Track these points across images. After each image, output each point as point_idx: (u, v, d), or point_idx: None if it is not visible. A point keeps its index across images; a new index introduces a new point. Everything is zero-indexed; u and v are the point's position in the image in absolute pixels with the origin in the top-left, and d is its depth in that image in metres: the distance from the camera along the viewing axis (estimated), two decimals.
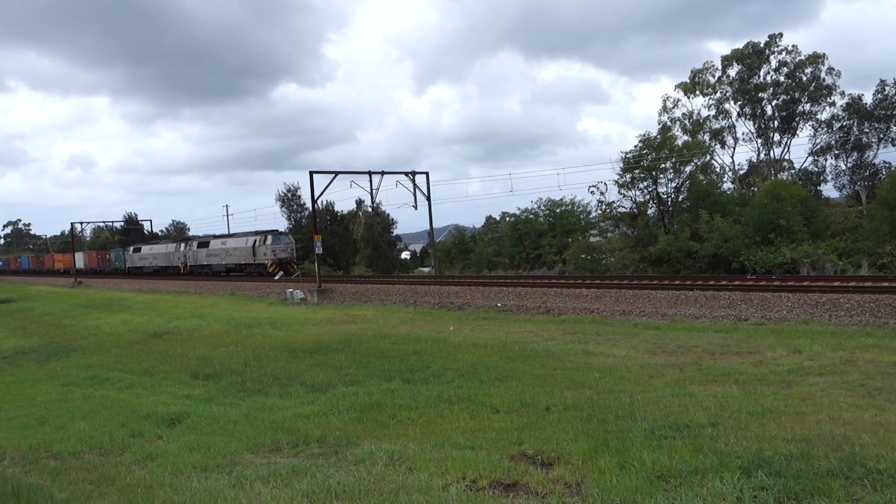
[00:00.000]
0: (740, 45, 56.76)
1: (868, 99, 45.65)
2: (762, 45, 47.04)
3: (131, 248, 65.03)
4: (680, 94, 50.34)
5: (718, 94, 48.71)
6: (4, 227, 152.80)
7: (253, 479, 6.70)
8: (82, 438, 9.48)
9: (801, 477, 5.57)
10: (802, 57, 45.97)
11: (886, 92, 44.66)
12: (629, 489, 5.60)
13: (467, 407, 9.70)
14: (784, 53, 46.51)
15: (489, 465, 6.47)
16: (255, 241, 46.22)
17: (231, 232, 57.99)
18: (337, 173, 37.19)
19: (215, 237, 53.43)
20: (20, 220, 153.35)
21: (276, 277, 40.80)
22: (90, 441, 9.29)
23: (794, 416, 7.99)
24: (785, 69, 46.52)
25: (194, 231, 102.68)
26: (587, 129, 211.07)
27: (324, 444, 8.08)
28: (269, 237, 45.63)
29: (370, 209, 59.70)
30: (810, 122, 47.49)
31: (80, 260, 75.96)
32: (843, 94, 45.85)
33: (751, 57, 47.10)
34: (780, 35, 46.75)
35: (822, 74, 45.58)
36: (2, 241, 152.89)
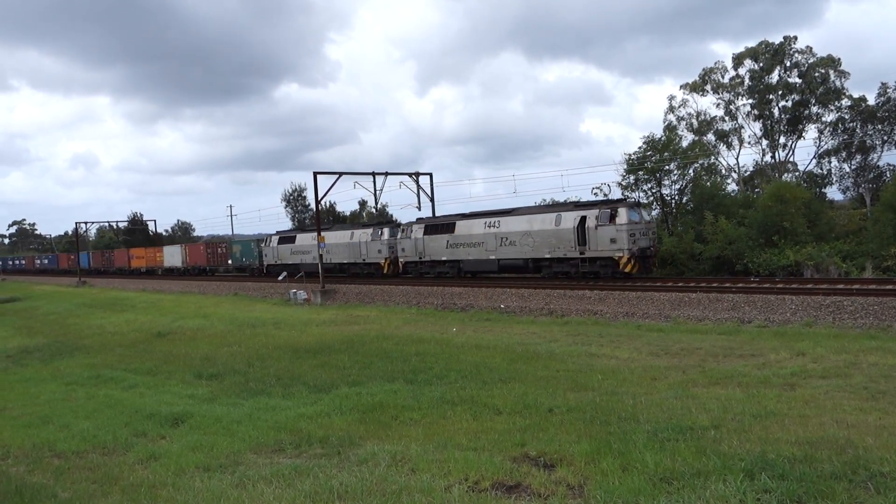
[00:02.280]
0: (743, 46, 56.78)
1: (871, 101, 45.53)
2: (777, 45, 46.88)
3: (274, 238, 45.47)
4: (687, 94, 50.25)
5: (728, 95, 48.58)
6: (9, 226, 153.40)
7: (256, 479, 6.71)
8: (86, 437, 9.50)
9: (805, 480, 5.56)
10: (816, 59, 45.80)
11: (889, 94, 44.53)
12: (632, 491, 5.59)
13: (470, 408, 9.70)
14: (798, 55, 46.38)
15: (492, 467, 6.47)
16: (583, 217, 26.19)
17: (474, 211, 33.25)
18: (340, 174, 37.22)
19: (473, 216, 32.09)
20: (25, 220, 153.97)
21: (280, 278, 40.85)
22: (93, 440, 9.31)
23: (798, 418, 7.97)
24: (796, 70, 46.37)
25: (199, 232, 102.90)
26: (590, 131, 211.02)
27: (326, 445, 8.09)
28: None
29: (374, 210, 59.68)
30: (816, 125, 47.39)
31: (175, 256, 58.39)
32: (850, 96, 45.76)
33: (765, 56, 46.93)
34: (795, 38, 46.63)
35: (832, 77, 45.43)
36: (7, 241, 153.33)
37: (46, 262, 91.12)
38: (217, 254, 52.89)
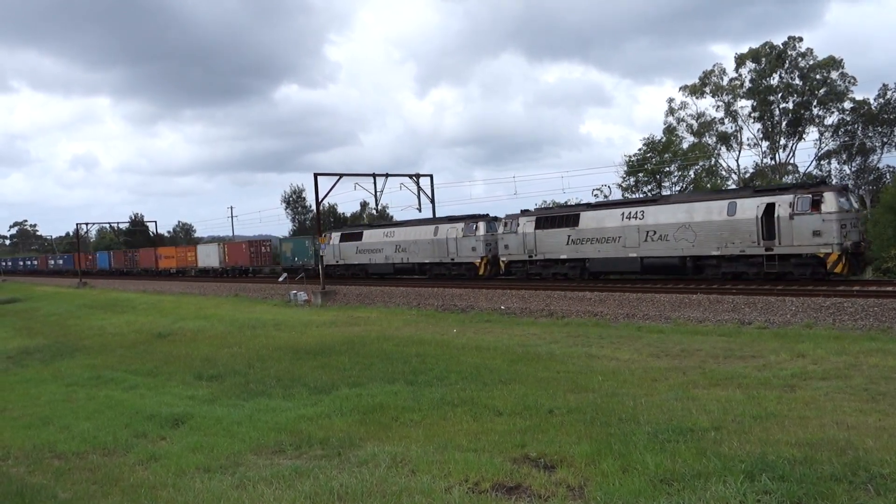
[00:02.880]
0: (743, 47, 56.71)
1: (872, 102, 45.59)
2: (781, 46, 46.87)
3: (334, 235, 40.08)
4: (686, 96, 50.33)
5: (728, 97, 48.63)
6: (11, 227, 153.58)
7: (256, 480, 6.72)
8: (86, 438, 9.51)
9: (805, 481, 5.56)
10: (816, 60, 45.80)
11: (889, 96, 44.59)
12: (632, 492, 5.59)
13: (470, 409, 9.70)
14: (799, 57, 46.38)
15: (492, 468, 6.48)
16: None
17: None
18: (341, 175, 37.26)
19: (603, 206, 28.13)
20: (26, 221, 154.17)
21: (280, 279, 40.88)
22: (94, 441, 9.32)
23: (798, 420, 7.98)
24: (797, 72, 46.38)
25: (200, 233, 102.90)
26: (590, 132, 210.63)
27: (326, 446, 8.10)
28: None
29: (374, 211, 59.72)
30: (817, 127, 47.43)
31: (211, 255, 52.90)
32: (852, 98, 45.82)
33: (767, 57, 46.94)
34: (801, 39, 46.65)
35: (836, 79, 45.44)
36: (8, 241, 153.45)
37: (61, 262, 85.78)
38: (261, 253, 48.03)
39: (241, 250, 49.94)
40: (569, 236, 27.26)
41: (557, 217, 28.50)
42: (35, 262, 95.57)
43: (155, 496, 6.60)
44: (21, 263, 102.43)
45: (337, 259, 38.76)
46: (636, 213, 24.98)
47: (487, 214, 32.27)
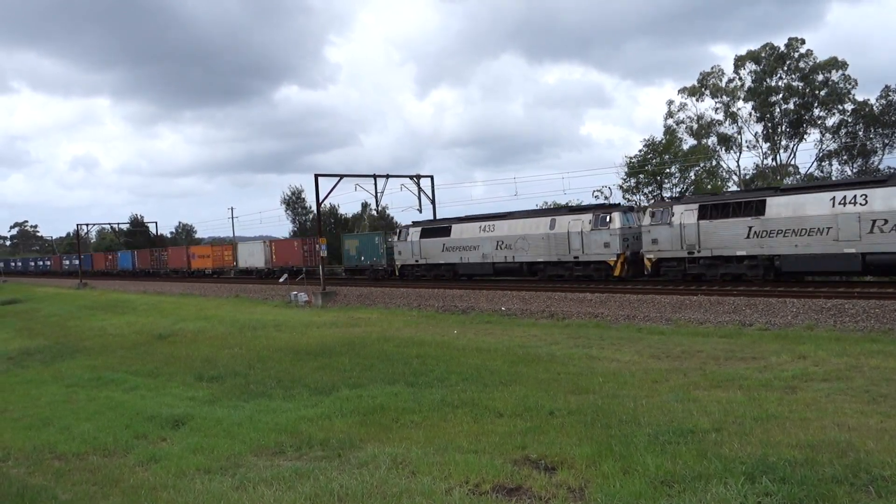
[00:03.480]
0: (744, 48, 56.73)
1: (873, 103, 45.56)
2: (782, 47, 46.82)
3: (413, 231, 34.23)
4: (685, 98, 50.32)
5: (727, 98, 48.61)
6: (11, 228, 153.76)
7: (256, 481, 6.71)
8: (86, 440, 9.51)
9: (806, 483, 5.56)
10: (818, 61, 45.75)
11: (891, 97, 44.55)
12: (633, 494, 5.59)
13: (471, 411, 9.69)
14: (801, 59, 46.34)
15: (492, 469, 6.47)
16: None
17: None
18: (342, 176, 37.25)
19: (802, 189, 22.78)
20: (27, 222, 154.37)
21: (281, 280, 40.83)
22: (94, 442, 9.32)
23: (799, 421, 7.97)
24: (798, 73, 46.35)
25: (200, 234, 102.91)
26: (590, 133, 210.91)
27: (327, 447, 8.09)
28: None
29: (375, 212, 59.69)
30: (818, 128, 47.40)
31: (255, 254, 47.01)
32: (854, 100, 45.80)
33: (768, 59, 46.91)
34: (803, 41, 46.57)
35: (837, 80, 45.40)
36: (8, 242, 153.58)
37: (77, 263, 78.76)
38: (315, 251, 41.34)
39: (293, 249, 44.02)
40: (750, 228, 22.35)
41: (732, 204, 23.21)
42: (48, 263, 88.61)
43: (155, 497, 6.59)
44: (32, 264, 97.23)
45: (416, 258, 33.55)
46: (854, 197, 20.26)
47: (619, 203, 28.61)
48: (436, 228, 33.03)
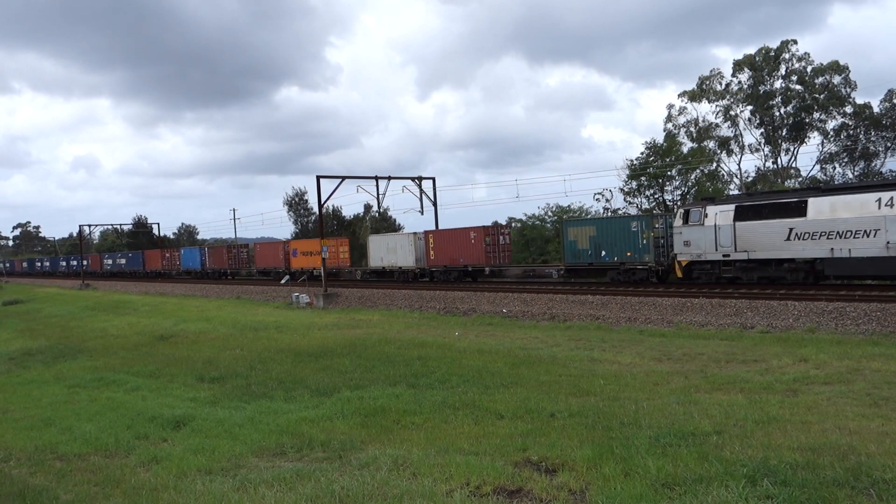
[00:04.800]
0: (746, 51, 56.77)
1: (875, 107, 45.53)
2: (775, 50, 46.83)
3: (717, 208, 23.66)
4: (685, 102, 50.33)
5: (726, 101, 48.61)
6: (13, 228, 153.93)
7: (257, 482, 6.72)
8: (88, 440, 9.52)
9: (807, 486, 5.55)
10: (816, 65, 45.74)
11: (895, 101, 44.51)
12: (634, 497, 5.58)
13: (472, 413, 9.70)
14: (796, 61, 46.31)
15: (493, 472, 6.47)
16: None
17: None
18: (344, 178, 37.33)
19: None
20: (29, 223, 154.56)
21: (283, 281, 40.81)
22: (96, 443, 9.33)
23: (800, 424, 7.96)
24: (795, 76, 46.32)
25: (203, 235, 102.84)
26: (592, 136, 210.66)
27: (328, 449, 8.10)
28: None
29: (377, 214, 59.72)
30: (818, 131, 47.36)
31: (401, 248, 37.50)
32: (853, 102, 45.76)
33: (762, 62, 46.94)
34: (795, 42, 46.57)
35: (837, 83, 45.35)
36: (11, 242, 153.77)
37: (124, 262, 68.62)
38: (499, 244, 32.87)
39: (466, 240, 33.60)
40: (791, 229, 20.99)
41: (771, 205, 21.93)
42: (85, 263, 73.32)
43: (156, 498, 6.60)
44: (64, 264, 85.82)
45: (726, 250, 23.14)
46: None
47: None
48: (771, 206, 22.36)
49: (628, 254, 26.46)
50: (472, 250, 33.41)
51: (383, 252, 38.74)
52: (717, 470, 6.07)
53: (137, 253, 66.94)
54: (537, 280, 29.60)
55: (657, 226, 26.06)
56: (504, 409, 9.71)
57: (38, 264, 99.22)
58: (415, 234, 37.06)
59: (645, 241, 25.89)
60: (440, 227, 38.66)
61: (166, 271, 58.79)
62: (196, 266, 55.17)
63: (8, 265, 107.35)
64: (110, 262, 72.62)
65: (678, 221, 24.03)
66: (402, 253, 37.25)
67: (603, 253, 27.41)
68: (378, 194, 38.42)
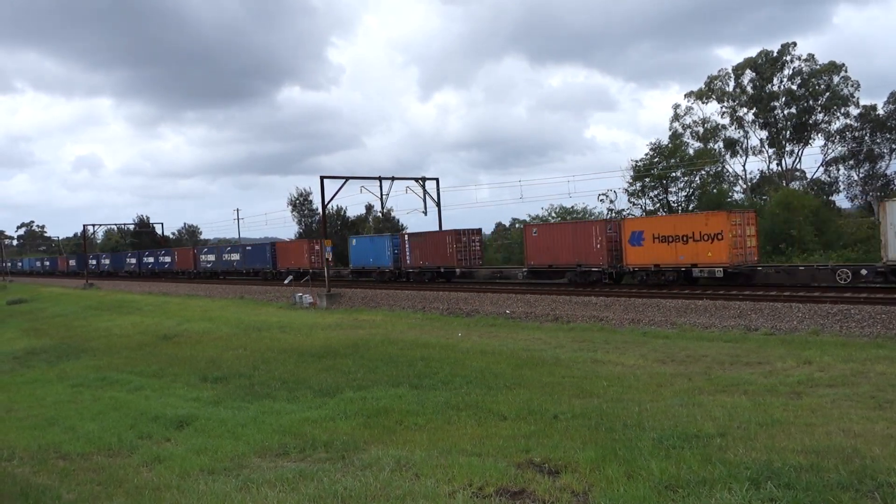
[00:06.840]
0: (749, 51, 56.71)
1: (880, 108, 45.40)
2: (775, 53, 46.78)
3: None
4: (691, 102, 50.25)
5: (733, 103, 48.55)
6: (18, 228, 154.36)
7: (260, 482, 6.71)
8: (91, 439, 9.53)
9: (811, 489, 5.53)
10: (817, 66, 45.63)
11: None
12: (637, 499, 5.56)
13: (475, 414, 9.69)
14: (797, 62, 46.23)
15: (496, 473, 6.46)
16: None
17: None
18: (347, 178, 37.35)
19: None
20: (34, 222, 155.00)
21: (286, 282, 40.86)
22: (99, 442, 9.34)
23: (804, 427, 7.93)
24: (798, 78, 46.22)
25: (206, 236, 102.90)
26: (595, 137, 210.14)
27: (331, 449, 8.09)
28: None
29: (380, 214, 59.72)
30: (822, 133, 47.24)
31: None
32: (857, 104, 45.67)
33: (763, 65, 46.89)
34: (794, 44, 46.50)
35: (839, 84, 45.23)
36: (15, 242, 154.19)
37: (168, 263, 60.87)
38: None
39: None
40: None
41: None
42: (132, 261, 65.44)
43: (159, 498, 6.60)
44: (94, 262, 76.66)
45: None
46: None
47: None
48: None
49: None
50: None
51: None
52: (720, 472, 6.05)
53: (223, 249, 56.69)
54: (539, 282, 29.71)
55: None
56: (507, 411, 9.70)
57: (71, 262, 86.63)
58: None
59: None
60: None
61: (251, 271, 49.94)
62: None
63: (49, 264, 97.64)
64: (153, 261, 65.09)
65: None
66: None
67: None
68: (381, 195, 38.49)
